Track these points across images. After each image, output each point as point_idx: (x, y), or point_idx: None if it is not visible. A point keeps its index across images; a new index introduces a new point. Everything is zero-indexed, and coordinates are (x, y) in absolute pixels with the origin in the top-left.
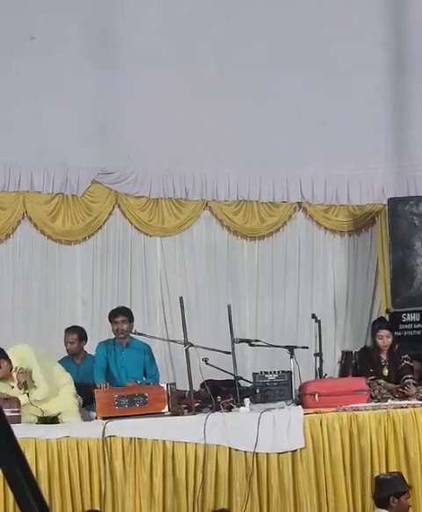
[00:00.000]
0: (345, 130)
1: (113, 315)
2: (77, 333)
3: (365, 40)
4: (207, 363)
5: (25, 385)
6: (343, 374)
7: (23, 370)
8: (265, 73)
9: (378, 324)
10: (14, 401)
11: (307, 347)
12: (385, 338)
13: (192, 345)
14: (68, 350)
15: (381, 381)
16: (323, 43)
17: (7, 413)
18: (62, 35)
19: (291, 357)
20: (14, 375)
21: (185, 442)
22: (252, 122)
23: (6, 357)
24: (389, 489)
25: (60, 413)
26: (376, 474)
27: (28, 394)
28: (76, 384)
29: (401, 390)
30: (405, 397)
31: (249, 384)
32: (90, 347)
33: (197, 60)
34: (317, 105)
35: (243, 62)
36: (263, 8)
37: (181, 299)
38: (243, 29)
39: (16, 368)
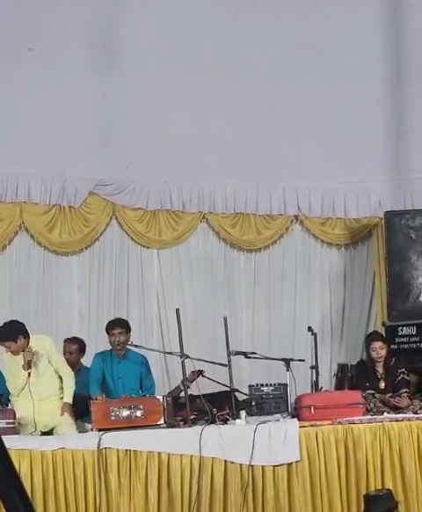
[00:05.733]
0: (342, 143)
1: (110, 326)
2: (77, 344)
3: (366, 52)
4: (202, 376)
5: (30, 364)
6: (339, 387)
7: (31, 350)
8: (265, 84)
9: (371, 336)
10: (9, 412)
11: (303, 360)
12: (379, 349)
13: (188, 357)
14: (66, 360)
15: (377, 394)
16: (325, 55)
17: (2, 424)
18: (63, 43)
19: (287, 370)
20: (22, 354)
21: (181, 455)
22: (250, 134)
23: (24, 334)
24: (387, 503)
25: (55, 426)
26: (372, 488)
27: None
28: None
29: (393, 400)
30: (398, 408)
31: (245, 397)
32: (86, 359)
33: (199, 68)
34: (317, 116)
35: (245, 72)
36: (265, 16)
37: (178, 311)
38: (247, 37)
39: (29, 348)
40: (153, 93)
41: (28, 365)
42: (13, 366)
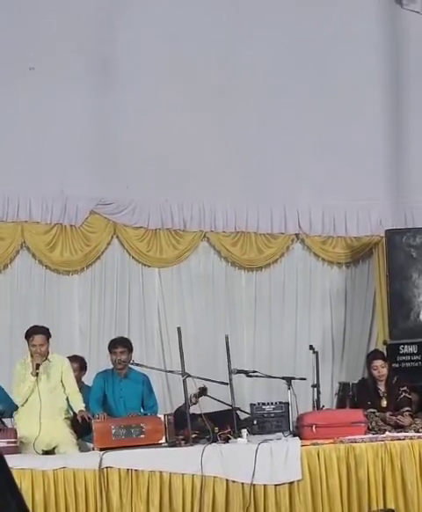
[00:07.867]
0: (342, 162)
1: (113, 345)
2: (79, 363)
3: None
4: (205, 394)
5: (38, 367)
6: (340, 405)
7: (41, 358)
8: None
9: (372, 355)
10: (10, 431)
11: (304, 379)
12: (380, 368)
13: (189, 375)
14: None
15: (379, 413)
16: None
17: (3, 443)
18: (61, 62)
19: (288, 388)
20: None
21: (182, 474)
22: (251, 152)
23: (49, 337)
24: None
25: (57, 445)
26: (374, 507)
27: (68, 399)
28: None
29: (395, 418)
30: (399, 426)
31: (246, 415)
32: (87, 377)
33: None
34: (316, 132)
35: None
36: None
37: (179, 329)
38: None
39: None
40: (152, 109)
41: (37, 368)
42: (22, 373)
